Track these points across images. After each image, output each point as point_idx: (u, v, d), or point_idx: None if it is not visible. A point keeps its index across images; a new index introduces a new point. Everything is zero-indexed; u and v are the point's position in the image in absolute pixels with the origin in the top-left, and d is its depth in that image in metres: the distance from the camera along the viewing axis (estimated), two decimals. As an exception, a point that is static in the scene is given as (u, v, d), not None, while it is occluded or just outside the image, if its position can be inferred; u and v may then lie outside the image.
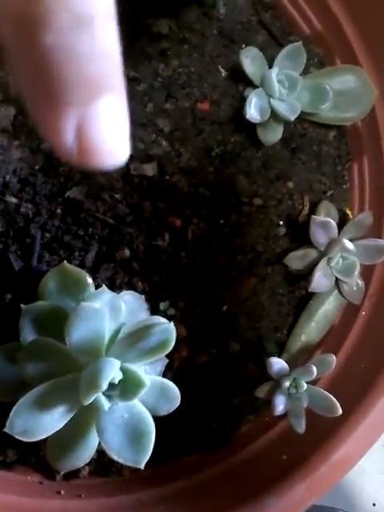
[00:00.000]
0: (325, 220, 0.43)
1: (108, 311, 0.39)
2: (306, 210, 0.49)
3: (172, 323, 0.37)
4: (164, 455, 0.47)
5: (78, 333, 0.35)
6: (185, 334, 0.46)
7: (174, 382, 0.46)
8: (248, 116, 0.42)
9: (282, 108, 0.42)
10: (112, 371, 0.35)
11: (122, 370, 0.37)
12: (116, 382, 0.36)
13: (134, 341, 0.37)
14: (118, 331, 0.40)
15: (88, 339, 0.36)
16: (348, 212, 0.50)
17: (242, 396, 0.46)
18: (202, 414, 0.47)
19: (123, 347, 0.37)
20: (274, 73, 0.42)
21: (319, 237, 0.43)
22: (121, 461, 0.35)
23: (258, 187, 0.48)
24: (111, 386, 0.36)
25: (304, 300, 0.49)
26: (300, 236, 0.48)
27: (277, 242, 0.48)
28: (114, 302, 0.40)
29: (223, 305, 0.47)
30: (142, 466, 0.35)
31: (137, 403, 0.38)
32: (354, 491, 0.70)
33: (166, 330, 0.36)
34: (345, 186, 0.50)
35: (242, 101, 0.46)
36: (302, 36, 0.49)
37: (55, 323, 0.39)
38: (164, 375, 0.44)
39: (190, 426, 0.47)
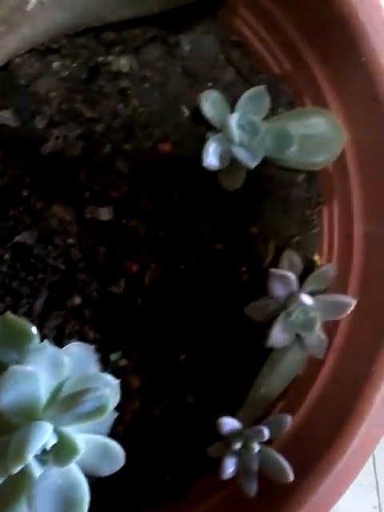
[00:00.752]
0: (282, 274, 0.40)
1: (49, 367, 0.37)
2: (271, 255, 0.47)
3: (111, 384, 0.35)
4: (113, 511, 0.45)
5: (8, 396, 0.33)
6: (137, 385, 0.44)
7: (125, 435, 0.45)
8: (206, 164, 0.40)
9: (242, 155, 0.40)
10: (42, 437, 0.33)
11: (57, 433, 0.35)
12: (48, 447, 0.34)
13: (69, 405, 0.35)
14: (59, 388, 0.38)
15: (21, 402, 0.34)
16: (316, 258, 0.48)
17: (197, 451, 0.44)
18: (155, 468, 0.45)
19: (60, 410, 0.36)
20: (234, 118, 0.40)
21: (278, 290, 0.41)
22: (48, 533, 0.34)
23: (221, 232, 0.46)
24: (45, 450, 0.35)
25: (266, 350, 0.46)
26: (264, 283, 0.46)
27: (239, 290, 0.46)
28: (55, 357, 0.38)
29: (180, 354, 0.45)
30: (70, 540, 0.33)
31: (73, 468, 0.36)
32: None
33: (102, 397, 0.34)
34: (313, 231, 0.48)
35: (205, 142, 0.44)
36: (271, 75, 0.47)
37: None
38: (114, 429, 0.43)
39: (141, 481, 0.45)
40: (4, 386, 0.33)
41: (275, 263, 0.47)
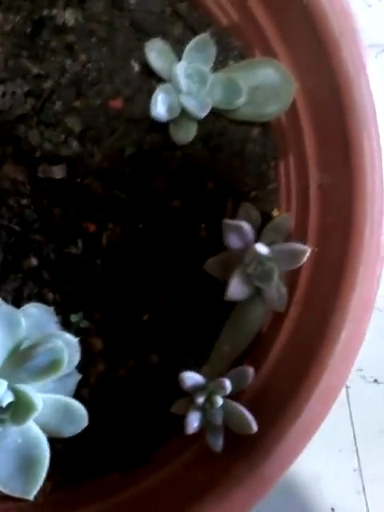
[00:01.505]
0: (237, 224, 0.40)
1: (4, 327, 0.37)
2: (229, 212, 0.46)
3: (64, 340, 0.35)
4: (81, 476, 0.44)
5: None
6: (101, 347, 0.43)
7: (91, 398, 0.44)
8: (154, 114, 0.40)
9: (190, 104, 0.40)
10: (-4, 394, 0.32)
11: (13, 390, 0.34)
12: (4, 404, 0.33)
13: (22, 360, 0.34)
14: (16, 348, 0.37)
15: (-27, 360, 0.33)
16: (275, 214, 0.48)
17: (163, 411, 0.44)
18: (122, 430, 0.44)
19: (15, 367, 0.35)
20: (181, 67, 0.39)
21: (233, 242, 0.41)
22: (7, 492, 0.33)
23: (177, 189, 0.45)
24: (1, 409, 0.34)
25: (227, 308, 0.46)
26: (222, 240, 0.46)
27: (198, 246, 0.46)
28: (11, 317, 0.37)
29: (142, 314, 0.44)
30: (31, 497, 0.33)
31: (32, 426, 0.35)
32: (311, 496, 0.68)
33: (54, 349, 0.33)
34: (270, 186, 0.48)
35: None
36: (220, 27, 0.46)
37: None
38: (79, 391, 0.42)
39: (109, 444, 0.44)
40: None
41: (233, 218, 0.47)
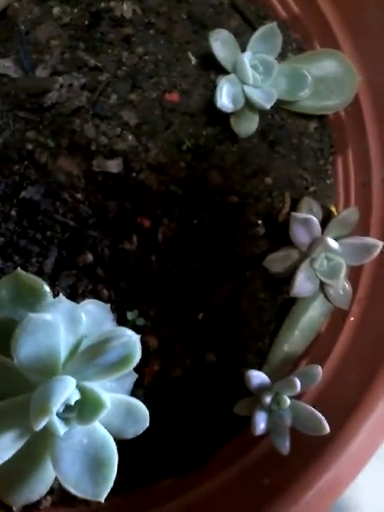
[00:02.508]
0: (306, 217, 0.39)
1: (65, 323, 0.35)
2: (287, 207, 0.45)
3: (134, 335, 0.33)
4: (135, 481, 0.42)
5: (26, 349, 0.31)
6: (156, 345, 0.42)
7: (146, 400, 0.42)
8: (219, 105, 0.39)
9: (256, 95, 0.38)
10: (65, 391, 0.30)
11: (80, 388, 0.33)
12: (72, 403, 0.32)
13: (91, 356, 0.32)
14: (77, 345, 0.36)
15: (39, 356, 0.32)
16: (333, 209, 0.46)
17: (221, 412, 0.42)
18: (177, 433, 0.43)
19: (81, 363, 0.33)
20: (246, 57, 0.38)
21: (301, 236, 0.39)
22: (78, 494, 0.31)
23: (234, 183, 0.44)
24: (68, 407, 0.32)
25: (286, 305, 0.44)
26: (280, 236, 0.44)
27: (255, 243, 0.44)
28: (72, 312, 0.36)
29: (198, 312, 0.43)
30: (102, 500, 0.31)
31: (98, 426, 0.33)
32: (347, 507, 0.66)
33: (127, 343, 0.32)
34: (328, 182, 0.46)
35: (215, 90, 0.42)
36: (278, 20, 0.45)
37: (8, 337, 0.35)
38: (134, 392, 0.40)
39: (164, 448, 0.42)
40: (21, 337, 0.31)
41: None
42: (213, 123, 0.43)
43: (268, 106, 0.39)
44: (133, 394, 0.39)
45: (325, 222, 0.45)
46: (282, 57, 0.44)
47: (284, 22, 0.45)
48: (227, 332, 0.43)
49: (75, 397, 0.32)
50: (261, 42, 0.39)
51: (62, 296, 0.36)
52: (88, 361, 0.33)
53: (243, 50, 0.43)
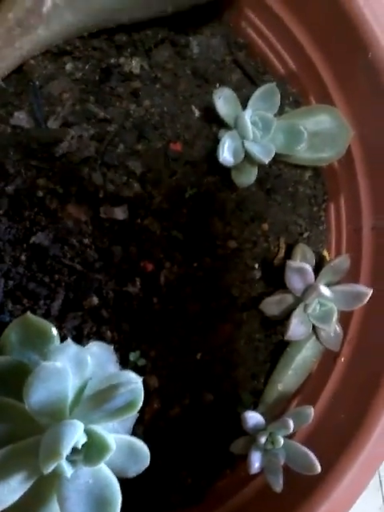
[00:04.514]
0: (300, 266, 0.41)
1: (72, 367, 0.37)
2: (282, 252, 0.47)
3: (140, 382, 0.35)
4: (134, 515, 0.44)
5: (37, 395, 0.33)
6: (156, 385, 0.44)
7: (145, 437, 0.44)
8: (221, 159, 0.41)
9: (255, 151, 0.41)
10: (74, 436, 0.32)
11: (87, 432, 0.34)
12: (79, 446, 0.33)
13: (99, 401, 0.34)
14: (83, 388, 0.37)
15: (49, 401, 0.33)
16: (325, 254, 0.49)
17: (218, 449, 0.44)
18: (175, 469, 0.44)
19: (88, 408, 0.35)
20: (247, 114, 0.41)
21: (295, 283, 0.42)
22: (82, 533, 0.33)
23: (233, 229, 0.46)
24: (75, 450, 0.34)
25: (281, 345, 0.47)
26: (276, 279, 0.46)
27: (252, 286, 0.46)
28: (79, 356, 0.38)
29: (197, 352, 0.45)
30: (106, 539, 0.33)
31: (103, 467, 0.35)
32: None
33: (134, 390, 0.34)
34: (321, 227, 0.49)
35: (216, 141, 0.44)
36: (276, 75, 0.48)
37: (16, 379, 0.37)
38: (134, 430, 0.42)
39: (163, 484, 0.44)
40: (33, 384, 0.33)
41: (286, 259, 0.48)
42: (214, 172, 0.45)
43: (266, 161, 0.41)
44: (133, 431, 0.41)
45: (318, 267, 0.47)
46: (280, 109, 0.47)
47: (282, 77, 0.48)
48: (224, 371, 0.45)
49: (82, 440, 0.34)
50: (261, 100, 0.42)
51: (69, 340, 0.38)
52: (95, 406, 0.34)
53: (243, 103, 0.46)
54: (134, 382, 0.35)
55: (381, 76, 0.41)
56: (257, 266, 0.47)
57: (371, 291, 0.41)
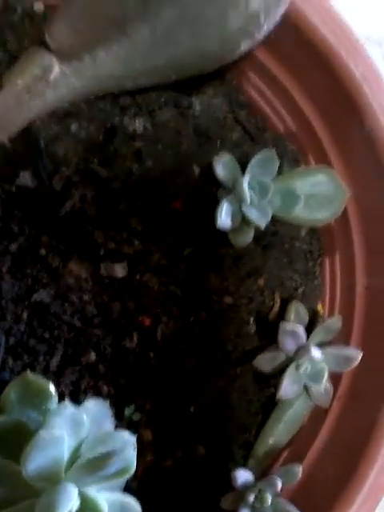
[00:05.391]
0: (293, 329, 0.42)
1: (69, 428, 0.38)
2: (277, 306, 0.49)
3: (134, 451, 0.36)
4: None
5: (35, 462, 0.34)
6: (150, 438, 0.45)
7: (138, 489, 0.46)
8: (219, 224, 0.42)
9: (253, 215, 0.42)
10: (69, 503, 0.34)
11: (80, 495, 0.36)
12: (73, 510, 0.35)
13: (93, 468, 0.36)
14: (78, 447, 0.39)
15: (45, 467, 0.35)
16: (319, 308, 0.50)
17: (208, 503, 0.45)
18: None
19: (82, 472, 0.36)
20: (245, 180, 0.42)
21: (288, 344, 0.43)
22: None
23: (229, 285, 0.47)
24: (69, 513, 0.35)
25: (273, 397, 0.48)
26: (270, 334, 0.48)
27: (247, 340, 0.48)
28: (76, 417, 0.39)
29: (190, 406, 0.46)
30: None
31: (95, 530, 0.37)
32: None
33: (126, 458, 0.35)
34: (316, 282, 0.50)
35: (215, 200, 0.45)
36: (276, 133, 0.49)
37: (15, 439, 0.38)
38: (127, 483, 0.44)
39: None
40: (31, 452, 0.34)
41: (281, 313, 0.49)
42: (212, 229, 0.46)
43: (263, 225, 0.42)
44: (127, 484, 0.42)
45: (311, 323, 0.49)
46: (278, 168, 0.48)
47: (281, 134, 0.49)
48: (217, 424, 0.47)
49: (76, 505, 0.35)
50: (259, 166, 0.43)
51: (66, 402, 0.39)
52: (89, 472, 0.36)
53: (243, 160, 0.47)
54: (128, 447, 0.37)
55: (377, 147, 0.42)
56: (252, 320, 0.48)
57: (361, 355, 0.42)
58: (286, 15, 0.40)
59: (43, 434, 0.34)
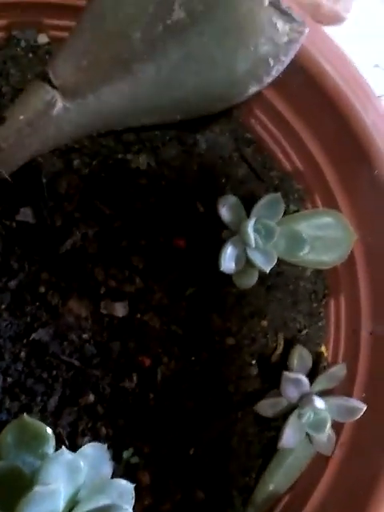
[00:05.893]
0: (296, 377, 0.41)
1: (66, 474, 0.37)
2: (280, 348, 0.48)
3: (131, 500, 0.36)
4: None
5: (30, 516, 0.34)
6: (148, 481, 0.44)
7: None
8: (223, 268, 0.41)
9: (257, 259, 0.41)
10: None
11: (75, 547, 0.35)
12: None
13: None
14: (75, 495, 0.38)
15: (41, 519, 0.34)
16: (323, 350, 0.49)
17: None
18: None
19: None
20: (250, 224, 0.41)
21: (290, 392, 0.42)
22: None
23: (232, 325, 0.47)
24: None
25: (274, 440, 0.47)
26: (272, 376, 0.47)
27: (248, 382, 0.47)
28: (73, 464, 0.38)
29: (190, 448, 0.45)
30: None
31: None
32: None
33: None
34: (320, 323, 0.49)
35: (219, 239, 0.45)
36: (282, 171, 0.48)
37: (11, 485, 0.38)
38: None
39: None
40: (26, 507, 0.33)
41: (284, 355, 0.48)
42: (215, 269, 0.45)
43: (268, 269, 0.42)
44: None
45: (315, 365, 0.48)
46: (284, 210, 0.47)
47: (288, 173, 0.48)
48: (216, 467, 0.46)
49: None
50: (265, 209, 0.42)
51: (64, 448, 0.38)
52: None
53: (247, 198, 0.46)
54: (123, 492, 0.36)
55: (385, 192, 0.41)
56: (254, 362, 0.47)
57: (365, 407, 0.41)
58: (295, 57, 0.40)
59: (40, 489, 0.33)
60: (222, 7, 0.37)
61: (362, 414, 0.41)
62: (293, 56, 0.38)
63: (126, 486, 0.39)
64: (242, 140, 0.48)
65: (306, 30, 0.37)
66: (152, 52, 0.39)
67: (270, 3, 0.36)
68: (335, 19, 0.73)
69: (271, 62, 0.37)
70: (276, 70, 0.38)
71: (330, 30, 0.76)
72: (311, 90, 0.41)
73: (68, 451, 0.38)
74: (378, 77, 0.81)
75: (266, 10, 0.36)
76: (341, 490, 0.45)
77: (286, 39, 0.37)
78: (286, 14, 0.37)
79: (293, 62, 0.40)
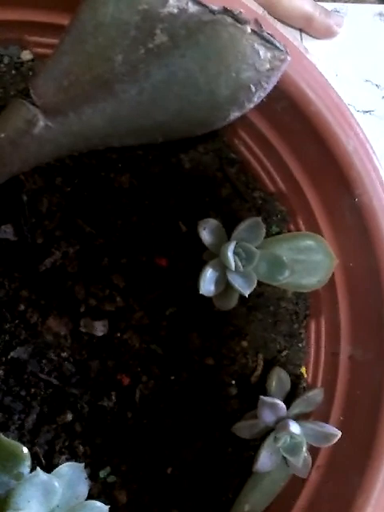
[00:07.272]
0: (272, 402, 0.41)
1: (40, 496, 0.38)
2: (260, 369, 0.48)
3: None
4: None
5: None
6: (125, 500, 0.44)
7: None
8: (202, 291, 0.41)
9: (237, 282, 0.41)
10: None
11: None
12: None
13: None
14: (49, 515, 0.38)
15: (11, 542, 0.34)
16: (302, 371, 0.49)
17: None
18: None
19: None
20: (230, 247, 0.41)
21: (267, 416, 0.42)
22: None
23: (212, 345, 0.47)
24: None
25: (251, 460, 0.47)
26: (251, 396, 0.47)
27: (227, 403, 0.47)
28: (48, 485, 0.38)
29: (167, 467, 0.45)
30: None
31: None
32: None
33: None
34: (301, 344, 0.49)
35: (200, 259, 0.45)
36: (266, 192, 0.48)
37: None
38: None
39: None
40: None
41: (263, 375, 0.48)
42: (196, 290, 0.46)
43: (247, 293, 0.42)
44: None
45: (294, 387, 0.48)
46: (266, 228, 0.47)
47: (271, 193, 0.48)
48: (193, 487, 0.46)
49: None
50: (245, 232, 0.42)
51: (38, 470, 0.38)
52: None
53: (230, 218, 0.46)
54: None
55: (365, 218, 0.41)
56: (233, 382, 0.47)
57: (339, 434, 0.41)
58: (278, 83, 0.40)
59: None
60: (204, 32, 0.37)
61: (337, 439, 0.41)
62: (275, 83, 0.38)
63: (102, 508, 0.39)
64: (226, 160, 0.48)
65: (288, 58, 0.37)
66: (134, 73, 0.39)
67: (253, 30, 0.36)
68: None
69: (253, 88, 0.37)
70: (258, 97, 0.38)
71: (321, 44, 0.77)
72: (294, 115, 0.41)
73: (43, 472, 0.39)
74: (369, 91, 0.81)
75: (248, 36, 0.36)
76: (318, 511, 0.46)
77: (268, 66, 0.37)
78: (268, 42, 0.37)
79: (276, 88, 0.40)
